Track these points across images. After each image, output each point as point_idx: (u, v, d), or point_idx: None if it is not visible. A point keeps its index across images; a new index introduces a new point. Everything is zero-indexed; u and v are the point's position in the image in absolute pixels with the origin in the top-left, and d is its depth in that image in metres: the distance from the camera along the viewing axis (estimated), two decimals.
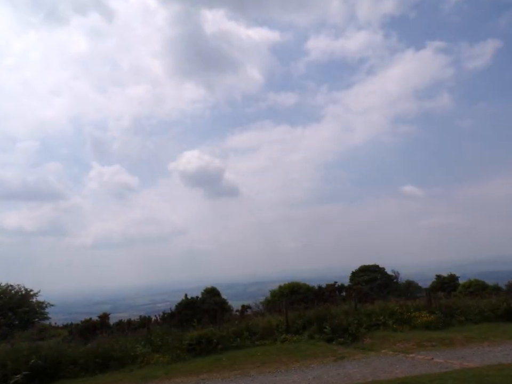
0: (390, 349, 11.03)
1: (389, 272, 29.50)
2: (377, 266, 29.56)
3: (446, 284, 27.21)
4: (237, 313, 19.33)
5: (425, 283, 30.71)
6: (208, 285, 24.05)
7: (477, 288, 23.14)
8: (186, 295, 20.99)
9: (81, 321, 18.67)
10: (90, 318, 18.65)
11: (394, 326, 13.27)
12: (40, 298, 27.96)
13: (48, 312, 27.94)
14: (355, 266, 30.82)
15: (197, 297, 21.50)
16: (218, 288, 23.89)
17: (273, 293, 23.24)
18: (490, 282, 25.36)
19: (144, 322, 17.39)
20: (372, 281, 27.86)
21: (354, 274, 29.77)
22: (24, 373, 10.62)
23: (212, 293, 22.82)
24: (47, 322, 25.33)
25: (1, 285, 27.19)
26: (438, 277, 28.87)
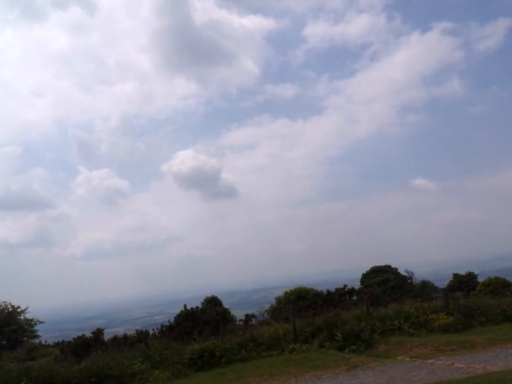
0: (406, 355, 11.03)
1: (402, 272, 29.59)
2: (390, 266, 29.63)
3: (464, 282, 27.31)
4: (241, 323, 19.35)
5: (442, 283, 30.84)
6: (208, 293, 24.14)
7: (498, 286, 23.19)
8: (185, 305, 20.98)
9: (73, 338, 18.64)
10: (83, 335, 18.63)
11: (410, 330, 13.26)
12: (28, 315, 27.87)
13: (37, 330, 27.87)
14: (365, 267, 30.96)
15: (197, 307, 21.49)
16: (220, 297, 23.96)
17: (279, 300, 23.24)
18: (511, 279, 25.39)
19: (141, 336, 17.37)
20: (384, 283, 27.90)
21: (365, 276, 29.84)
22: None
23: (212, 302, 22.86)
24: (36, 340, 25.27)
25: None
26: (455, 275, 28.98)
